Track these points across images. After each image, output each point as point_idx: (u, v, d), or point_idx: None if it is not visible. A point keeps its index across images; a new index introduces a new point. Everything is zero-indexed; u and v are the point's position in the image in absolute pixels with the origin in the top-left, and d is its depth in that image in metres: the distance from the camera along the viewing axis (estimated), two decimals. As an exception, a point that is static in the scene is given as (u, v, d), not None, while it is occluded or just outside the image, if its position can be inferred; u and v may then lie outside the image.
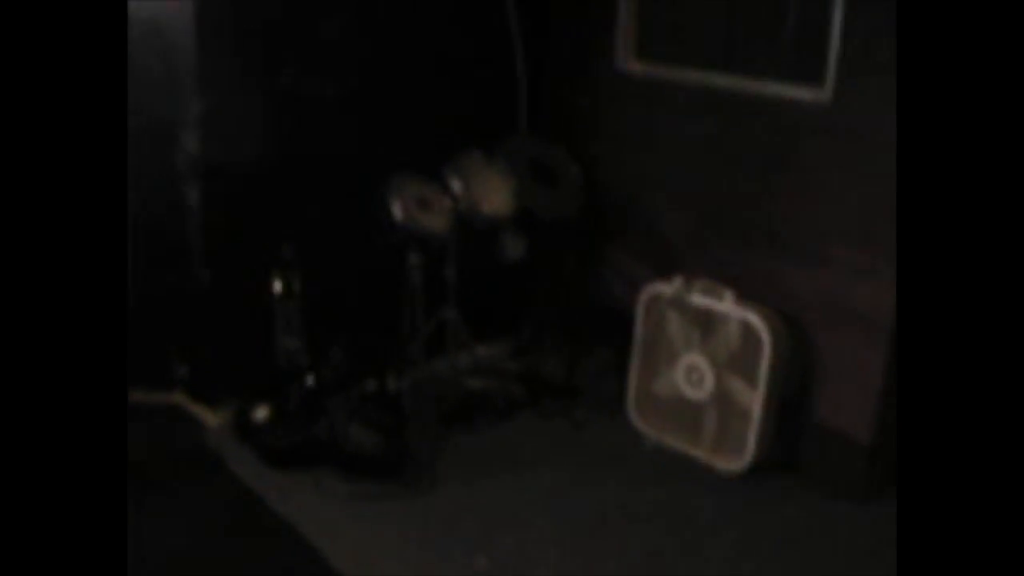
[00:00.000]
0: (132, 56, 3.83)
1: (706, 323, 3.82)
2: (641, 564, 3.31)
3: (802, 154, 3.70)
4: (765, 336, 3.63)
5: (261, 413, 3.87)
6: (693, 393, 3.91)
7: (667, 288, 3.93)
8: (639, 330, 4.07)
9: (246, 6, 3.77)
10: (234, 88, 3.83)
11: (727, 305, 3.75)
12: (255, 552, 3.33)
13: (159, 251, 4.03)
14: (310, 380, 3.91)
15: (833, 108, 3.55)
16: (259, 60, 3.87)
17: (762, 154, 3.84)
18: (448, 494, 3.68)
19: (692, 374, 3.89)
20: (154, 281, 4.09)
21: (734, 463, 3.83)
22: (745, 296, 3.76)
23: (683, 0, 4.18)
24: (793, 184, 3.75)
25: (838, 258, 3.61)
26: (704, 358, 3.84)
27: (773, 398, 3.73)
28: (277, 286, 3.87)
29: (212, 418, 4.11)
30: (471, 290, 4.33)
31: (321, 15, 3.96)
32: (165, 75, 3.82)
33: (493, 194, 4.20)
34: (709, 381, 3.84)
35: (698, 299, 3.84)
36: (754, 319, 3.66)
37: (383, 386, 3.98)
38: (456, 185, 4.10)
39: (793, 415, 3.84)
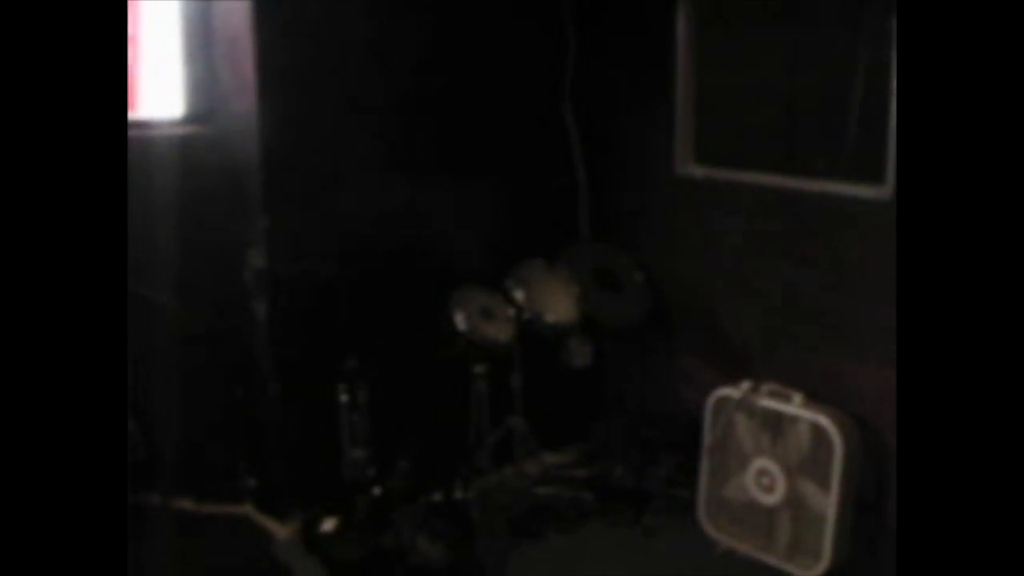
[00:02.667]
0: (202, 176, 3.97)
1: (775, 426, 3.76)
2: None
3: (865, 252, 3.67)
4: (836, 438, 3.56)
5: (328, 524, 3.86)
6: (765, 498, 3.83)
7: (735, 391, 3.89)
8: (707, 435, 4.02)
9: (309, 126, 3.87)
10: (298, 204, 3.91)
11: (796, 407, 3.70)
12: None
13: (229, 366, 4.09)
14: (377, 491, 3.90)
15: (895, 205, 3.52)
16: (324, 178, 3.95)
17: (825, 253, 3.82)
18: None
19: (763, 478, 3.82)
20: (225, 394, 4.15)
21: (810, 569, 3.73)
22: (814, 398, 3.71)
23: (741, 102, 4.21)
24: (857, 282, 3.71)
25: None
26: (775, 462, 3.77)
27: (847, 501, 3.64)
28: (343, 397, 3.89)
29: (280, 530, 4.11)
30: (537, 398, 4.33)
31: (381, 138, 4.05)
32: (233, 194, 3.92)
33: (557, 302, 4.22)
34: (781, 485, 3.76)
35: (766, 402, 3.79)
36: (824, 421, 3.59)
37: (450, 496, 3.96)
38: (519, 294, 4.12)
39: (870, 518, 3.74)
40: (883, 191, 3.56)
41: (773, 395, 3.79)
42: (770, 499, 3.81)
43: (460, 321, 3.90)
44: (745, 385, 3.86)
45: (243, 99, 3.82)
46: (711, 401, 3.99)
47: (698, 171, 4.32)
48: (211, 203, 3.98)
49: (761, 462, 3.82)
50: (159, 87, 3.98)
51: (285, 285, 3.91)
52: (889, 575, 3.64)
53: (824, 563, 3.68)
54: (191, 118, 4.03)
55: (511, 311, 4.09)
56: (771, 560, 3.85)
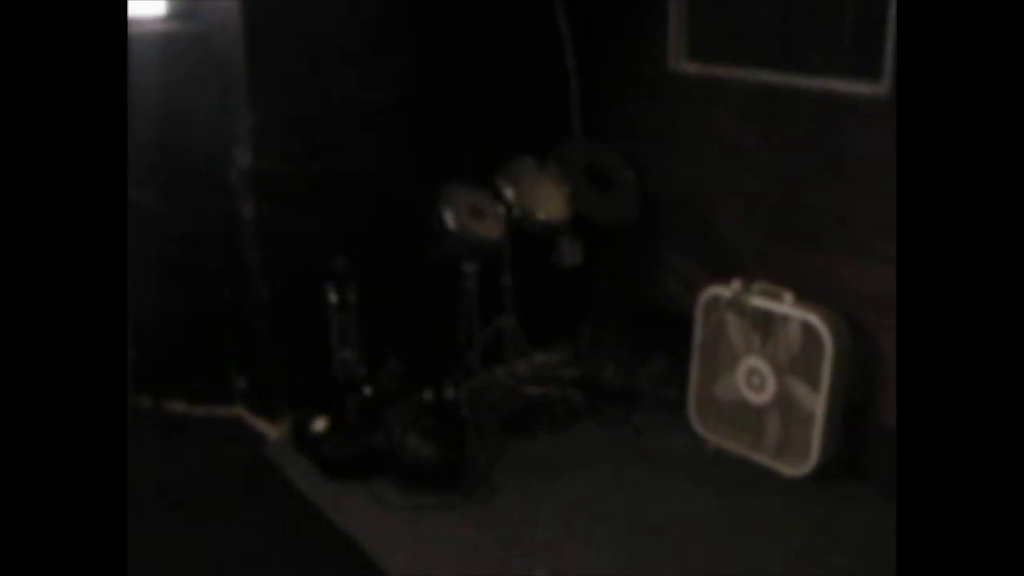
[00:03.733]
0: (184, 74, 3.89)
1: (766, 325, 3.75)
2: (703, 571, 3.25)
3: (860, 150, 3.62)
4: (826, 337, 3.55)
5: (319, 425, 3.87)
6: (754, 397, 3.84)
7: (726, 290, 3.87)
8: (698, 334, 4.01)
9: (293, 18, 3.77)
10: (283, 101, 3.83)
11: (787, 306, 3.68)
12: (313, 563, 3.32)
13: (217, 267, 4.07)
14: (367, 391, 3.90)
15: (891, 102, 3.46)
16: (307, 72, 3.87)
17: (819, 151, 3.77)
18: (507, 504, 3.65)
19: (753, 377, 3.82)
20: (212, 297, 4.13)
21: (798, 467, 3.75)
22: (805, 297, 3.69)
23: (735, -2, 4.13)
24: (851, 181, 3.67)
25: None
26: (765, 361, 3.77)
27: (837, 400, 3.65)
28: (332, 298, 3.87)
29: (271, 430, 4.13)
30: (528, 297, 4.31)
31: (368, 24, 3.96)
32: (218, 92, 3.84)
33: (547, 200, 4.17)
34: (770, 384, 3.77)
35: (757, 301, 3.78)
36: (815, 320, 3.58)
37: (440, 396, 3.96)
38: (509, 192, 4.07)
39: (858, 417, 3.75)
40: (880, 87, 3.49)
41: (764, 294, 3.77)
42: (760, 398, 3.82)
43: (449, 219, 3.86)
44: (736, 284, 3.84)
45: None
46: (702, 300, 3.97)
47: (692, 68, 4.23)
48: (195, 102, 3.91)
49: (751, 361, 3.82)
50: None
51: (272, 184, 3.85)
52: (877, 474, 3.69)
53: (812, 462, 3.70)
54: (174, 14, 3.92)
55: (501, 209, 4.04)
56: (760, 459, 3.87)
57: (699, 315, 3.99)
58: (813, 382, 3.63)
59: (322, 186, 3.95)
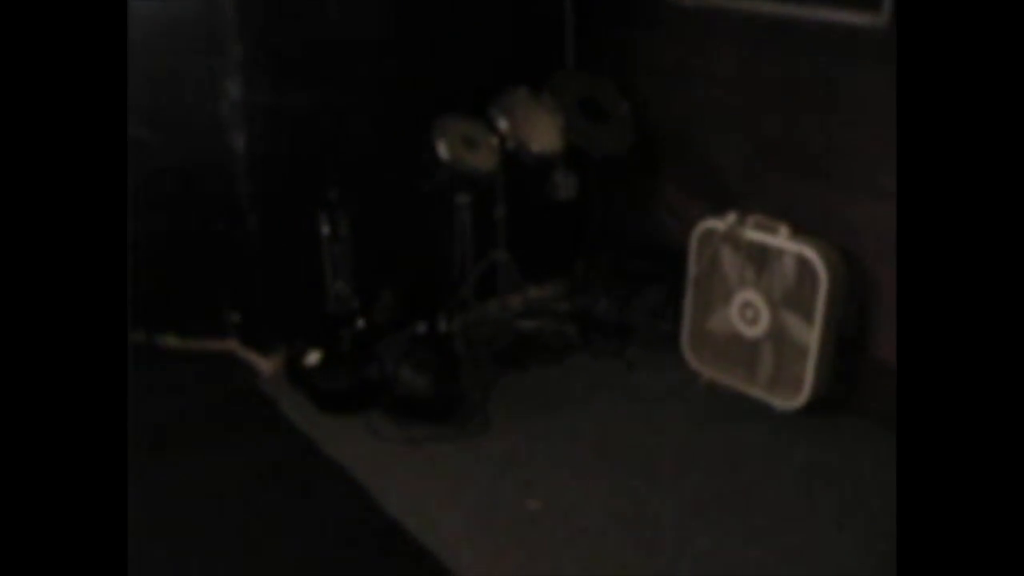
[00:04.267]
0: (174, 7, 3.82)
1: (760, 258, 3.74)
2: (697, 503, 3.27)
3: (857, 82, 3.58)
4: (821, 270, 3.54)
5: (312, 357, 3.86)
6: (748, 330, 3.84)
7: (720, 223, 3.85)
8: (692, 267, 4.00)
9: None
10: (273, 33, 3.77)
11: (782, 240, 3.67)
12: (308, 495, 3.34)
13: (208, 200, 4.03)
14: (361, 323, 3.90)
15: (890, 33, 3.42)
16: (296, 4, 3.80)
17: (816, 83, 3.73)
18: (500, 436, 3.66)
19: (747, 311, 3.82)
20: (205, 230, 4.10)
21: (791, 400, 3.76)
22: (801, 230, 3.67)
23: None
24: (848, 113, 3.63)
25: (893, 189, 3.50)
26: (759, 294, 3.77)
27: (830, 334, 3.65)
28: (325, 229, 3.85)
29: (265, 364, 4.13)
30: (522, 230, 4.28)
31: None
32: (207, 22, 3.78)
33: (541, 132, 4.13)
34: (764, 317, 3.76)
35: (752, 234, 3.76)
36: (809, 253, 3.57)
37: (434, 328, 3.95)
38: (503, 123, 4.03)
39: (851, 351, 3.76)
40: (879, 18, 3.44)
41: (759, 227, 3.75)
42: (753, 331, 3.82)
43: (442, 150, 3.82)
44: (731, 217, 3.82)
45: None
46: (696, 233, 3.95)
47: (688, -3, 4.18)
48: (185, 32, 3.84)
49: (745, 294, 3.81)
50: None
51: (263, 116, 3.81)
52: (870, 407, 3.71)
53: (805, 395, 3.71)
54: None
55: (494, 141, 4.00)
56: (753, 392, 3.88)
57: (693, 248, 3.97)
58: (807, 315, 3.63)
59: (314, 118, 3.90)
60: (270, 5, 3.74)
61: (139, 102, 3.89)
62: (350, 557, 3.04)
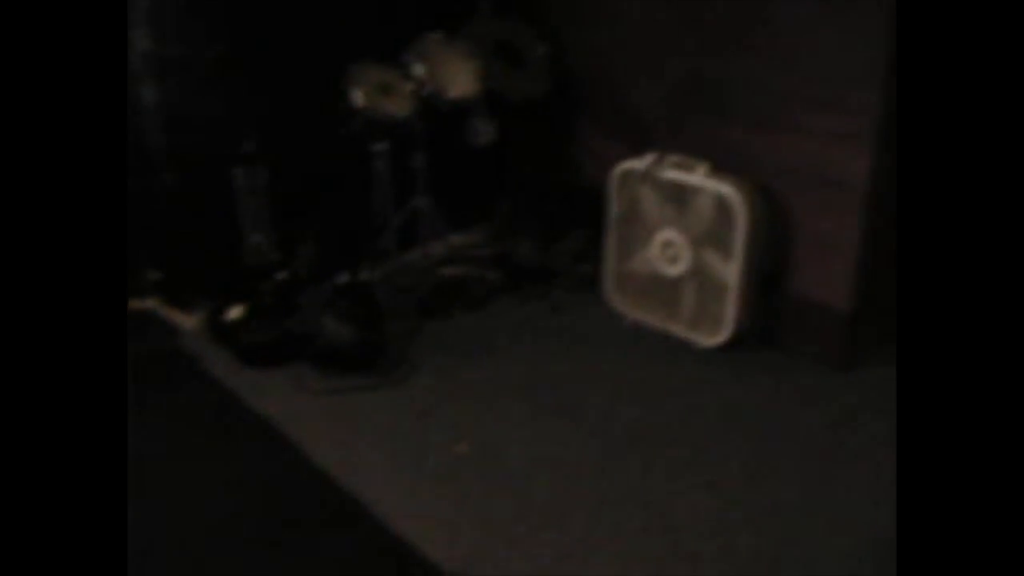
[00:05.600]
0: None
1: (679, 197, 3.76)
2: (623, 441, 3.30)
3: (779, 18, 3.58)
4: (739, 208, 3.57)
5: (234, 312, 3.82)
6: (669, 269, 3.87)
7: (639, 164, 3.86)
8: (613, 209, 4.01)
9: None
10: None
11: (700, 178, 3.69)
12: (235, 451, 3.31)
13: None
14: (281, 275, 3.86)
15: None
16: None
17: (736, 19, 3.73)
18: (426, 383, 3.66)
19: (668, 250, 3.85)
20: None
21: (713, 338, 3.81)
22: (720, 169, 3.70)
23: None
24: (768, 50, 3.64)
25: (814, 125, 3.53)
26: (679, 233, 3.79)
27: (750, 270, 3.69)
28: (241, 182, 3.79)
29: (186, 321, 4.07)
30: (442, 177, 4.26)
31: None
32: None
33: (458, 76, 4.10)
34: (685, 256, 3.80)
35: (671, 173, 3.78)
36: (728, 191, 3.59)
37: (356, 278, 3.93)
38: (418, 69, 4.00)
39: (772, 287, 3.81)
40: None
41: (678, 166, 3.77)
42: (675, 270, 3.85)
43: (357, 97, 3.78)
44: (650, 157, 3.84)
45: None
46: (616, 174, 3.96)
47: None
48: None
49: (666, 233, 3.84)
50: None
51: (172, 68, 3.73)
52: (788, 343, 3.77)
53: (726, 332, 3.76)
54: None
55: (411, 87, 3.97)
56: (676, 330, 3.92)
57: (613, 190, 3.98)
58: (726, 252, 3.66)
59: (226, 68, 3.83)
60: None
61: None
62: (277, 509, 3.02)
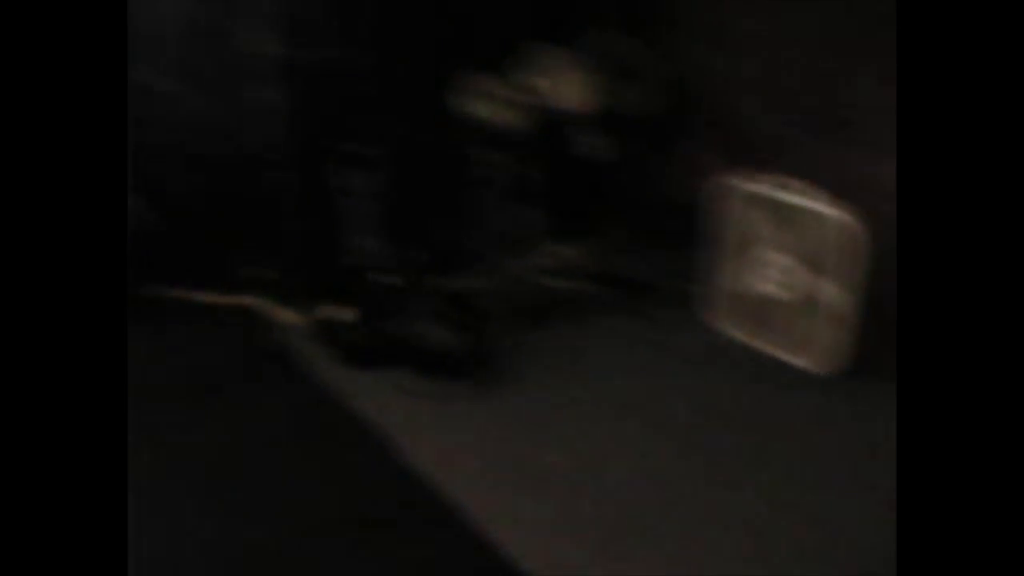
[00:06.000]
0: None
1: (790, 219, 3.70)
2: (723, 463, 3.25)
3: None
4: (852, 233, 3.51)
5: (340, 313, 3.85)
6: (776, 292, 3.81)
7: (750, 184, 3.81)
8: (722, 228, 3.96)
9: None
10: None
11: (812, 201, 3.63)
12: (334, 452, 3.33)
13: (234, 153, 4.02)
14: (388, 279, 3.87)
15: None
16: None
17: (846, 40, 3.67)
18: (526, 394, 3.64)
19: (776, 272, 3.79)
20: (231, 184, 4.09)
21: (823, 365, 3.73)
22: (834, 192, 3.63)
23: None
24: (884, 74, 3.57)
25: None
26: (788, 256, 3.73)
27: (861, 298, 3.61)
28: (354, 184, 3.82)
29: (291, 319, 4.12)
30: (550, 188, 4.26)
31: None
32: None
33: (573, 90, 4.09)
34: (794, 280, 3.73)
35: (782, 194, 3.72)
36: (842, 215, 3.53)
37: (461, 285, 3.94)
38: (536, 81, 4.00)
39: (884, 315, 3.72)
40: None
41: (789, 188, 3.71)
42: (782, 293, 3.79)
43: (470, 106, 3.79)
44: (763, 178, 3.78)
45: None
46: (725, 194, 3.91)
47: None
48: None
49: (774, 255, 3.78)
50: None
51: (294, 71, 3.79)
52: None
53: (835, 359, 3.68)
54: None
55: (527, 98, 3.97)
56: (780, 354, 3.85)
57: (725, 209, 3.93)
58: (837, 278, 3.59)
59: (345, 72, 3.88)
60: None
61: (169, 52, 3.91)
62: (374, 511, 3.03)
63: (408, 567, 2.75)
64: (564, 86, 4.07)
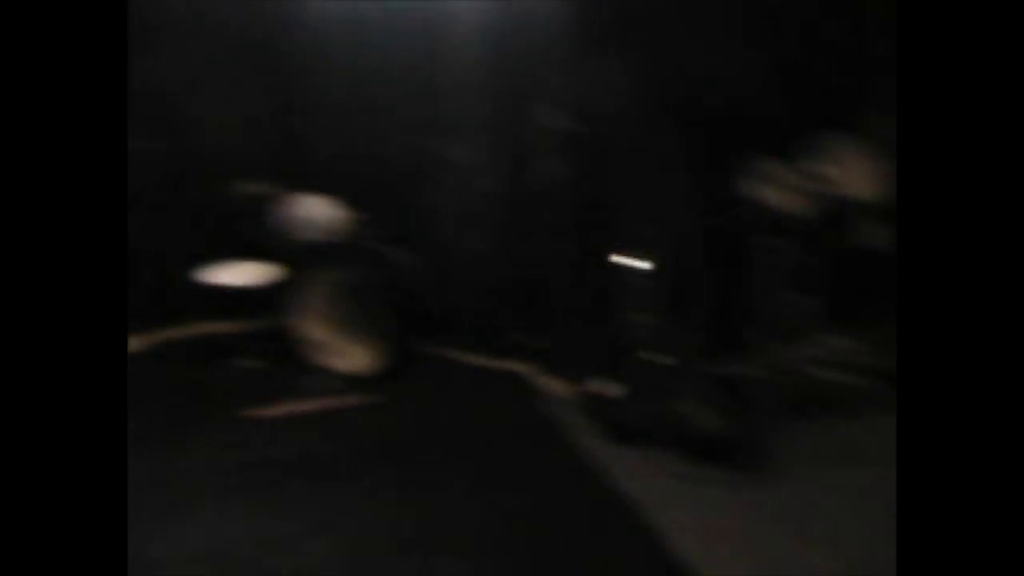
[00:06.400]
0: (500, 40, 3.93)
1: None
2: None
3: None
4: None
5: (609, 388, 3.87)
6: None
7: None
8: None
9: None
10: (602, 65, 3.81)
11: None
12: (593, 524, 3.34)
13: (524, 223, 4.12)
14: (660, 358, 3.86)
15: None
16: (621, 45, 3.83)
17: None
18: (792, 487, 3.54)
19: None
20: (515, 252, 4.20)
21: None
22: None
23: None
24: None
25: None
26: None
27: None
28: (634, 263, 3.84)
29: (560, 388, 4.16)
30: (830, 277, 4.16)
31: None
32: (526, 55, 3.89)
33: (861, 179, 4.00)
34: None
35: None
36: None
37: (734, 370, 3.88)
38: (819, 167, 3.94)
39: None
40: None
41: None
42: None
43: (757, 190, 3.76)
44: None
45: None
46: None
47: None
48: (509, 62, 3.96)
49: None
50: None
51: (583, 147, 3.87)
52: None
53: None
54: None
55: (809, 183, 3.91)
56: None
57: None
58: None
59: (633, 151, 3.92)
60: (596, 40, 3.79)
61: (471, 125, 4.08)
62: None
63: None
64: (853, 174, 3.98)
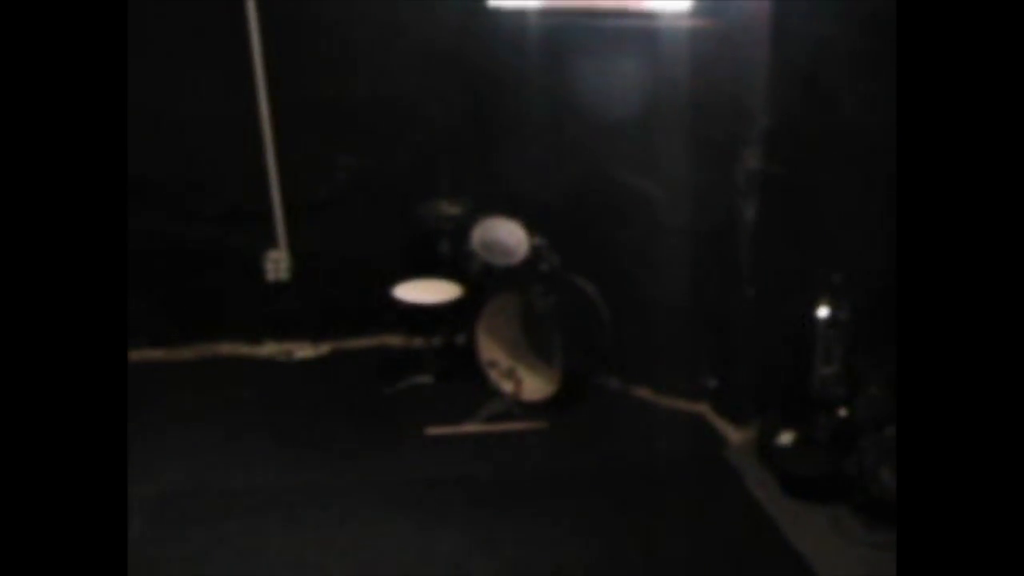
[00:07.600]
0: (705, 70, 3.88)
1: None
2: None
3: None
4: None
5: (786, 437, 3.74)
6: None
7: None
8: None
9: (821, 22, 3.62)
10: (798, 106, 3.71)
11: None
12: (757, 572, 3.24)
13: (708, 263, 4.06)
14: (843, 412, 3.70)
15: None
16: (818, 79, 3.71)
17: None
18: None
19: None
20: (696, 291, 4.13)
21: None
22: None
23: None
24: None
25: None
26: None
27: None
28: (823, 312, 3.70)
29: (735, 434, 4.07)
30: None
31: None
32: (731, 91, 3.82)
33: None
34: None
35: None
36: None
37: (920, 431, 3.68)
38: None
39: None
40: None
41: None
42: None
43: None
44: None
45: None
46: None
47: None
48: (711, 98, 3.90)
49: None
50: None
51: (774, 188, 3.77)
52: None
53: None
54: (699, 10, 3.94)
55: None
56: None
57: None
58: None
59: (823, 194, 3.79)
60: (799, 80, 3.69)
61: (657, 162, 4.05)
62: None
63: None
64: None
